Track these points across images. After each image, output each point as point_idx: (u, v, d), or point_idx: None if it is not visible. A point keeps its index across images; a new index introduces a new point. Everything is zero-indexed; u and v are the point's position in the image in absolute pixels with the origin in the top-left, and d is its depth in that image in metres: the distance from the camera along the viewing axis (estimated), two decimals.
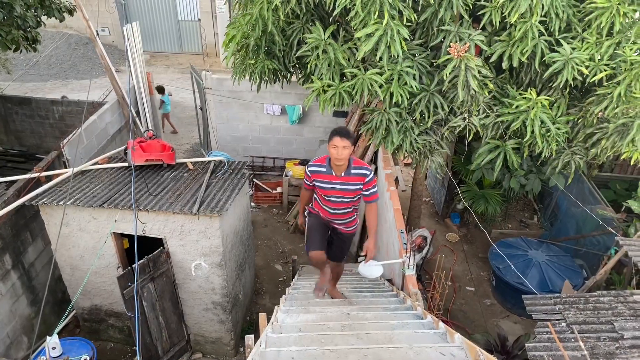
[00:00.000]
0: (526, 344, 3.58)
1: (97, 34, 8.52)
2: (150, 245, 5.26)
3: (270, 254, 7.94)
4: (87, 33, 16.78)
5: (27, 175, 5.66)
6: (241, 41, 5.42)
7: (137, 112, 8.53)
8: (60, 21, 8.10)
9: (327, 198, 3.90)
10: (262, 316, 3.55)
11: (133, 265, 4.85)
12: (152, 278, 5.18)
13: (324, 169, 3.78)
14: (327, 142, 3.60)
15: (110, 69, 7.88)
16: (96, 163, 5.96)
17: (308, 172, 3.90)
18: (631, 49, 4.54)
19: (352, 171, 3.71)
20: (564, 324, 3.92)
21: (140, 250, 5.00)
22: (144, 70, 8.48)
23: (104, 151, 7.18)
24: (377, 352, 2.30)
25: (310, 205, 4.26)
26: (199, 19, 15.91)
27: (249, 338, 2.72)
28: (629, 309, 3.87)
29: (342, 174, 3.72)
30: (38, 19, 7.83)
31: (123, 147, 6.14)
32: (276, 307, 3.48)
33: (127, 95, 8.07)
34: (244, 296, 6.26)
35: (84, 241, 5.34)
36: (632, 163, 5.08)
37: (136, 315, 4.50)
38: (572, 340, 3.79)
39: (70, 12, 8.22)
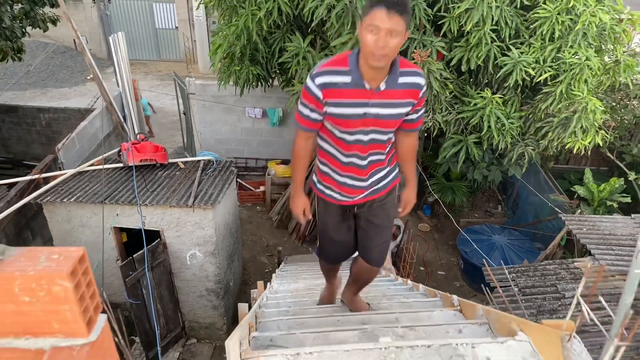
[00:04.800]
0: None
1: (77, 44, 8.87)
2: (148, 238, 5.71)
3: (255, 248, 8.44)
4: (65, 42, 16.99)
5: (27, 177, 6.04)
6: (227, 49, 5.94)
7: (124, 117, 8.93)
8: (44, 31, 8.44)
9: (351, 140, 2.07)
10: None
11: (134, 255, 5.31)
12: (150, 267, 5.63)
13: (347, 78, 1.91)
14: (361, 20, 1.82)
15: (99, 77, 8.27)
16: (92, 165, 6.38)
17: (316, 88, 1.92)
18: (569, 53, 5.26)
19: (400, 79, 1.95)
20: (515, 289, 4.56)
21: (139, 243, 5.48)
22: (130, 78, 8.89)
23: (95, 155, 7.57)
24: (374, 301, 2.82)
25: (314, 177, 2.37)
26: (177, 27, 16.29)
27: (254, 292, 3.25)
28: (570, 273, 4.54)
29: (383, 86, 1.93)
30: (23, 30, 8.16)
31: (117, 149, 6.58)
32: (272, 277, 4.00)
33: (115, 102, 8.48)
34: (234, 284, 6.76)
35: (86, 236, 5.76)
36: (575, 152, 5.82)
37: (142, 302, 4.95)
38: (523, 301, 4.45)
39: (54, 22, 8.57)
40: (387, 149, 2.20)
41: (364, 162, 2.14)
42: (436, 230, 8.88)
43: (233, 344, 1.51)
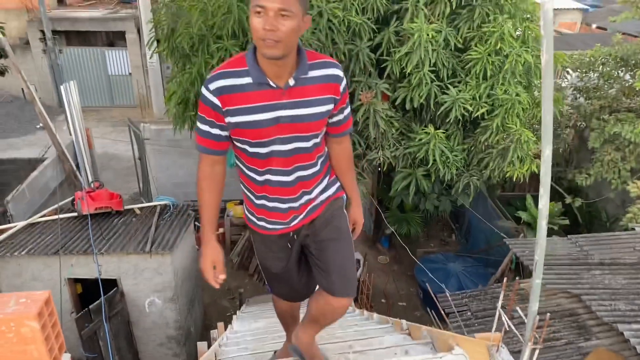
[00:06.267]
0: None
1: (27, 93, 8.79)
2: (104, 287, 5.60)
3: (216, 291, 8.35)
4: (12, 91, 16.65)
5: None
6: (182, 96, 6.10)
7: (77, 166, 8.81)
8: None
9: (265, 154, 1.74)
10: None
11: (90, 306, 5.19)
12: (108, 318, 5.51)
13: (247, 79, 1.64)
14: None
15: (50, 126, 8.20)
16: (44, 216, 6.25)
17: (211, 95, 1.64)
18: (501, 90, 5.75)
19: (311, 72, 1.70)
20: (469, 313, 4.78)
21: (94, 293, 5.37)
22: (82, 126, 8.84)
23: (46, 205, 7.41)
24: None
25: (244, 207, 2.03)
26: (130, 73, 16.34)
27: (214, 332, 3.30)
28: (517, 294, 4.81)
29: (292, 82, 1.66)
30: None
31: (71, 199, 6.49)
32: (234, 317, 4.03)
33: (67, 150, 8.39)
34: (195, 330, 6.66)
35: (38, 290, 5.57)
36: (514, 180, 6.25)
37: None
38: (475, 325, 4.67)
39: (2, 73, 8.52)
40: (318, 159, 1.85)
41: (291, 178, 1.79)
42: (395, 261, 9.10)
43: None
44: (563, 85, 8.84)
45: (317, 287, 2.04)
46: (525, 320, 1.52)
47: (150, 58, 13.88)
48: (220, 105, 1.63)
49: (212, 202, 1.83)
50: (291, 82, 1.65)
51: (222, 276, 1.80)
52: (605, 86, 8.19)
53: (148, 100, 16.64)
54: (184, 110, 6.37)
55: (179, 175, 9.89)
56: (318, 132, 1.78)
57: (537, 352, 1.51)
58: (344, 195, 2.06)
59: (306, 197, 1.88)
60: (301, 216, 1.91)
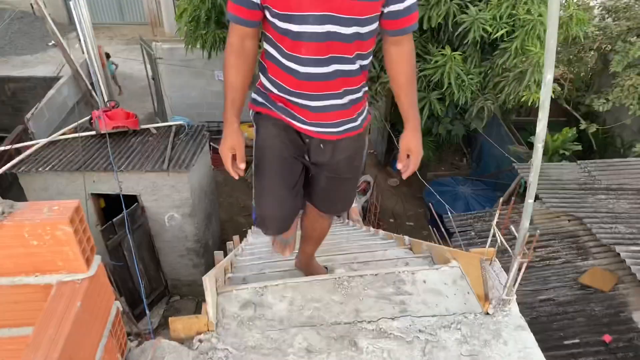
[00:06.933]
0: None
1: (37, 9, 8.63)
2: (126, 203, 5.89)
3: (232, 209, 8.70)
4: (21, 7, 16.31)
5: (1, 148, 6.08)
6: (192, 13, 5.97)
7: (92, 84, 8.85)
8: None
9: (297, 33, 1.43)
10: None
11: (114, 219, 5.51)
12: (131, 230, 5.85)
13: None
14: None
15: (63, 45, 8.14)
16: (64, 134, 6.43)
17: None
18: (523, 9, 5.50)
19: None
20: (472, 233, 4.97)
21: (116, 208, 5.66)
22: (95, 44, 8.75)
23: (65, 123, 7.57)
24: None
25: (255, 91, 1.74)
26: None
27: (230, 244, 3.55)
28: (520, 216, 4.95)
29: None
30: None
31: (88, 117, 6.62)
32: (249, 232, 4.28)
33: (81, 69, 8.39)
34: (213, 243, 7.05)
35: None
36: (529, 105, 6.17)
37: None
38: (479, 244, 4.87)
39: None
40: (357, 67, 1.52)
41: (325, 70, 1.46)
42: (404, 184, 9.27)
43: (210, 280, 1.78)
44: (591, 4, 8.36)
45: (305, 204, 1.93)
46: (517, 236, 1.64)
47: None
48: None
49: (238, 82, 1.56)
50: None
51: (242, 165, 1.59)
52: (636, 6, 7.74)
53: (159, 17, 16.18)
54: (195, 29, 6.25)
55: (192, 95, 9.90)
56: (361, 18, 1.39)
57: (524, 265, 1.64)
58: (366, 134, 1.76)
59: (329, 109, 1.57)
60: (319, 124, 1.60)
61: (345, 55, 1.46)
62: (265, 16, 1.46)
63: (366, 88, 1.66)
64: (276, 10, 1.39)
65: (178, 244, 6.28)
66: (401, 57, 1.56)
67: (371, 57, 1.56)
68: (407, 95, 1.62)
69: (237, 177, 1.63)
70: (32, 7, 15.02)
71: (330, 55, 1.44)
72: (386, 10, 1.43)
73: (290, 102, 1.58)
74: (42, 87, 8.89)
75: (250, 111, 1.74)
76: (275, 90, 1.60)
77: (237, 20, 1.48)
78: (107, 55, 10.85)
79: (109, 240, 5.55)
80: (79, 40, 8.33)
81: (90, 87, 8.57)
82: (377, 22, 1.46)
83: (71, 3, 8.53)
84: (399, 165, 1.69)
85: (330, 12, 1.35)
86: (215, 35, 6.18)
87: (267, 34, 1.52)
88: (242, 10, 1.45)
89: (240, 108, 1.60)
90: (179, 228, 6.10)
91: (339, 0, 1.33)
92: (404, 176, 1.72)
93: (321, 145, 1.68)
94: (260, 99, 1.68)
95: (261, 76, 1.65)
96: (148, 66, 10.13)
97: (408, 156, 1.68)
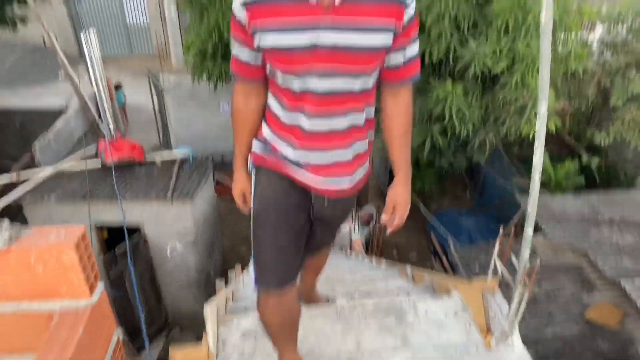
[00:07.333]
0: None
1: (48, 42, 8.87)
2: (129, 234, 5.90)
3: (235, 238, 8.68)
4: (33, 40, 16.76)
5: (6, 178, 6.14)
6: (200, 46, 6.14)
7: (99, 116, 9.01)
8: (14, 30, 8.44)
9: (300, 89, 1.37)
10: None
11: (116, 249, 5.51)
12: (133, 261, 5.83)
13: None
14: None
15: (72, 76, 8.34)
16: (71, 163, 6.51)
17: (239, 7, 1.31)
18: (523, 44, 5.63)
19: None
20: (477, 266, 4.94)
21: (119, 239, 5.66)
22: (103, 76, 8.96)
23: (71, 154, 7.66)
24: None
25: (254, 141, 1.63)
26: (148, 22, 16.25)
27: (232, 272, 3.53)
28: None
29: None
30: None
31: (94, 147, 6.70)
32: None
33: (89, 100, 8.55)
34: (215, 274, 7.00)
35: None
36: (530, 137, 6.22)
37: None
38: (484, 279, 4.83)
39: (23, 20, 8.60)
40: (362, 109, 1.45)
41: (324, 127, 1.41)
42: (408, 216, 9.24)
43: (211, 309, 1.78)
44: (590, 39, 8.54)
45: None
46: (517, 267, 1.64)
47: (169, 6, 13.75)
48: (247, 19, 1.29)
49: (245, 135, 1.57)
50: None
51: (251, 204, 1.63)
52: (634, 41, 7.90)
53: (167, 50, 16.60)
54: (202, 61, 6.42)
55: (197, 127, 10.04)
56: (368, 72, 1.35)
57: (526, 296, 1.63)
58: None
59: (341, 157, 1.49)
60: (322, 169, 1.50)
61: (354, 106, 1.41)
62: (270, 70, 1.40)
63: (372, 138, 1.59)
64: (280, 67, 1.33)
65: (180, 275, 6.25)
66: (397, 108, 1.49)
67: (374, 105, 1.50)
68: (401, 147, 1.54)
69: (247, 213, 1.67)
70: (44, 40, 15.45)
71: (337, 107, 1.39)
72: (387, 60, 1.38)
73: (295, 154, 1.49)
74: (51, 118, 9.04)
75: (250, 161, 1.66)
76: (277, 142, 1.52)
77: (239, 78, 1.45)
78: (119, 86, 11.09)
79: (110, 270, 5.53)
80: (88, 71, 8.53)
81: (97, 118, 8.71)
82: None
83: (82, 36, 8.79)
84: (384, 218, 1.61)
85: (335, 66, 1.30)
86: (222, 68, 6.34)
87: (270, 87, 1.47)
88: (242, 68, 1.41)
89: (246, 156, 1.64)
90: (181, 259, 6.08)
91: (344, 55, 1.28)
92: (388, 230, 1.65)
93: (325, 202, 1.60)
94: (260, 150, 1.59)
95: (263, 125, 1.57)
96: (155, 97, 10.32)
97: (394, 209, 1.60)
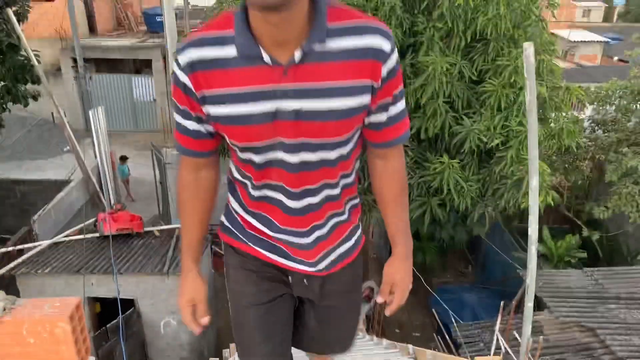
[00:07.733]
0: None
1: (57, 117, 9.18)
2: (122, 307, 5.74)
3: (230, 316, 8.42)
4: (42, 115, 17.35)
5: (3, 249, 6.09)
6: None
7: (100, 188, 9.10)
8: (25, 107, 8.75)
9: (261, 163, 1.16)
10: None
11: (108, 325, 5.32)
12: (125, 338, 5.61)
13: (230, 49, 1.03)
14: None
15: (77, 150, 8.53)
16: (67, 235, 6.47)
17: (182, 72, 1.06)
18: (515, 121, 5.83)
19: (332, 42, 1.03)
20: (482, 344, 4.76)
21: (111, 312, 5.51)
22: (108, 150, 9.17)
23: (70, 225, 7.65)
24: None
25: (225, 212, 1.41)
26: (154, 99, 16.91)
27: (226, 352, 3.37)
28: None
29: (298, 55, 1.02)
30: (4, 106, 8.45)
31: (93, 220, 6.71)
32: None
33: (92, 173, 8.69)
34: (209, 353, 6.70)
35: None
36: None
37: None
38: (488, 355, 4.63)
39: (35, 97, 8.94)
40: (338, 185, 1.24)
41: (298, 204, 1.20)
42: (410, 291, 9.04)
43: None
44: (581, 117, 8.86)
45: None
46: (520, 343, 1.58)
47: None
48: (192, 87, 1.07)
49: (194, 222, 1.30)
50: (297, 55, 1.01)
51: (205, 319, 1.35)
52: (623, 119, 8.20)
53: (171, 125, 17.12)
54: None
55: None
56: (343, 139, 1.13)
57: None
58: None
59: (318, 234, 1.27)
60: (310, 263, 1.32)
61: (330, 181, 1.20)
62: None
63: (356, 201, 1.37)
64: (237, 142, 1.12)
65: (172, 353, 5.99)
66: (386, 172, 1.28)
67: (354, 174, 1.31)
68: (395, 216, 1.34)
69: (198, 332, 1.38)
70: (52, 115, 15.96)
71: (309, 185, 1.18)
72: (368, 121, 1.17)
73: (270, 236, 1.30)
74: (52, 189, 9.13)
75: (221, 240, 1.44)
76: (245, 214, 1.31)
77: (184, 152, 1.21)
78: (125, 158, 11.35)
79: (100, 348, 5.30)
80: (94, 146, 8.74)
81: (99, 190, 8.80)
82: (358, 135, 1.21)
83: (90, 113, 9.10)
84: (380, 300, 1.40)
85: (304, 138, 1.09)
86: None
87: (231, 156, 1.25)
88: (188, 141, 1.18)
89: (199, 251, 1.36)
90: (175, 335, 5.86)
91: (310, 125, 1.07)
92: (387, 312, 1.43)
93: (305, 280, 1.37)
94: (229, 226, 1.37)
95: (230, 197, 1.34)
96: (157, 170, 10.49)
97: (392, 288, 1.40)
